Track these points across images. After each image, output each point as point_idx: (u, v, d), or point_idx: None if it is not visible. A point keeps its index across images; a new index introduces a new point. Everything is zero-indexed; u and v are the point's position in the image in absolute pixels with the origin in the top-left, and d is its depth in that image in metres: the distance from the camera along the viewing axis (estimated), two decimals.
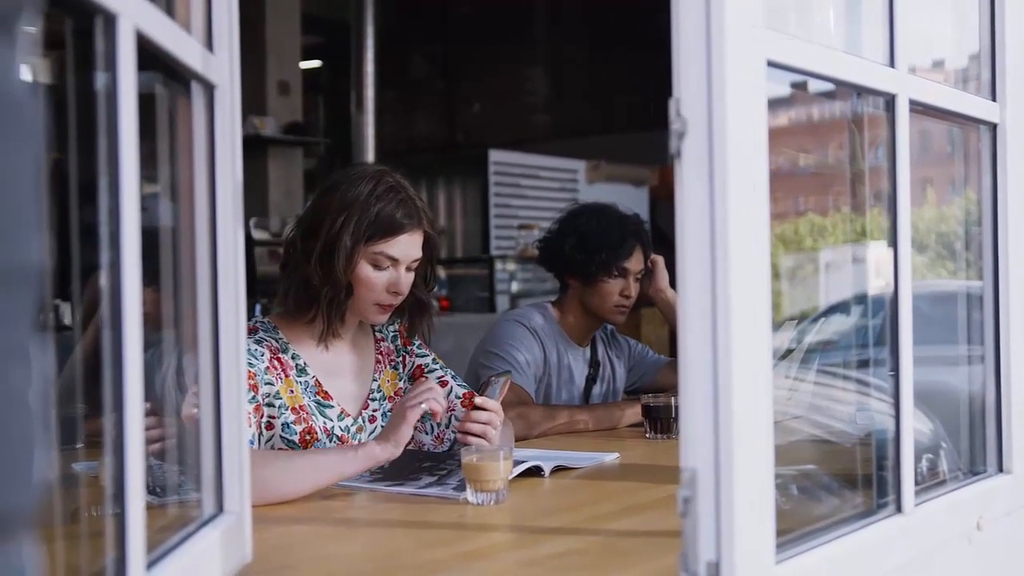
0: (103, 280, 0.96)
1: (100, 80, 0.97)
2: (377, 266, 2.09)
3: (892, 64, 1.45)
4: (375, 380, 2.23)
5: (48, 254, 0.60)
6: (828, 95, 1.61)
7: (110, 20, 0.95)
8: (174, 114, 1.29)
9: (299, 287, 2.10)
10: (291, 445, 2.06)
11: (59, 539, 1.06)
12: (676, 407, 2.56)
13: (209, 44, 1.30)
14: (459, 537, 1.62)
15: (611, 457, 2.27)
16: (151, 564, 1.04)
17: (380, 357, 2.27)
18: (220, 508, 1.31)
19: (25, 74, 0.55)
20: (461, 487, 1.83)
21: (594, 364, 3.04)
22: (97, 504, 1.31)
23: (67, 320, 2.32)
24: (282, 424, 2.05)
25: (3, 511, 0.53)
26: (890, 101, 1.45)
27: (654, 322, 6.22)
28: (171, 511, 1.35)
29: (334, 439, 2.11)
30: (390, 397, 2.25)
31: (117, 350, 0.96)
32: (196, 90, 1.28)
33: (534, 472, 2.03)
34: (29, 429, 0.54)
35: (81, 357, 1.82)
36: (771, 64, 1.18)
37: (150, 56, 1.06)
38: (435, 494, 1.86)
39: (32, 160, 0.54)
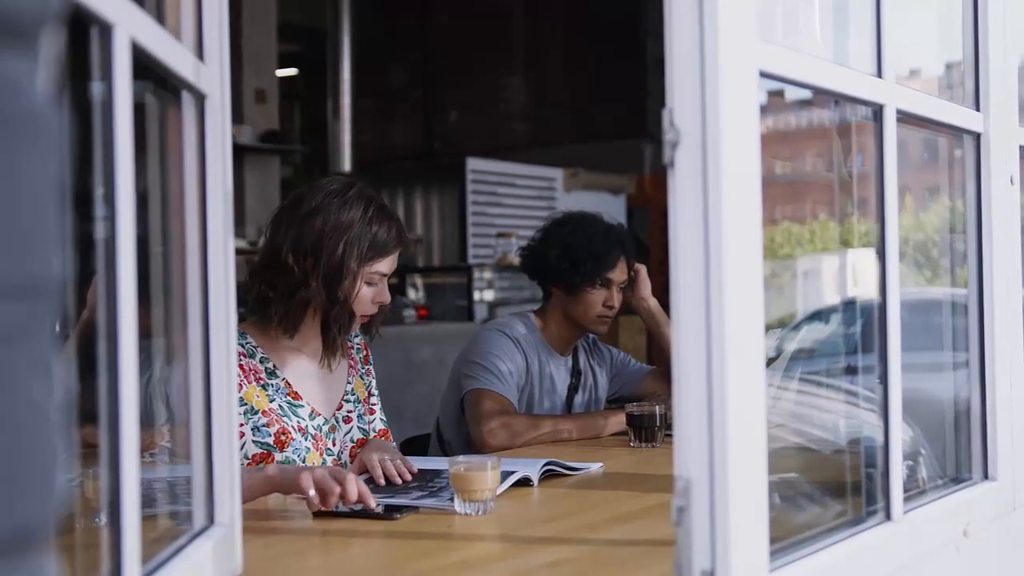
0: (99, 290, 0.95)
1: (95, 89, 0.96)
2: (370, 283, 2.19)
3: (879, 74, 1.46)
4: (349, 383, 2.30)
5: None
6: (806, 103, 1.62)
7: (106, 30, 0.94)
8: (164, 123, 1.28)
9: (297, 305, 2.13)
10: (266, 448, 2.10)
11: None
12: (660, 416, 2.56)
13: (200, 54, 1.29)
14: (449, 548, 1.62)
15: (596, 467, 2.27)
16: None
17: (352, 362, 2.34)
18: (211, 520, 1.30)
19: (46, 87, 0.55)
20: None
21: (576, 373, 3.04)
22: (85, 516, 1.30)
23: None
24: (253, 428, 2.09)
25: (30, 524, 0.53)
26: (878, 111, 1.46)
27: (631, 330, 6.23)
28: (161, 523, 1.34)
29: (308, 437, 2.16)
30: (363, 400, 2.33)
31: (112, 361, 0.95)
32: (187, 100, 1.27)
33: (522, 482, 2.03)
34: (52, 442, 0.53)
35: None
36: (763, 75, 1.19)
37: (142, 65, 1.05)
38: (429, 504, 1.85)
39: (55, 173, 0.54)
